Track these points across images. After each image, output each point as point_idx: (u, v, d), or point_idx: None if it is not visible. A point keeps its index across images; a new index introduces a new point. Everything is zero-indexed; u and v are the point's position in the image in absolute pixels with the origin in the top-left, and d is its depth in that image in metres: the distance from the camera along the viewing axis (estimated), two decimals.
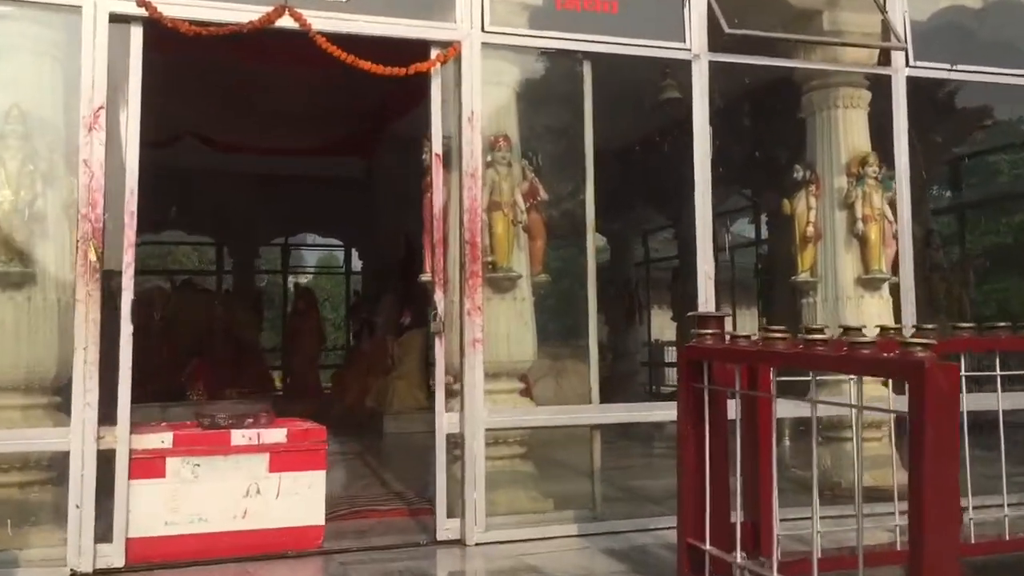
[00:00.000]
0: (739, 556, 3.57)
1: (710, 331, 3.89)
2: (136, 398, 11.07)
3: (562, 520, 5.36)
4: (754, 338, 3.67)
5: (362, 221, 15.02)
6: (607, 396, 5.90)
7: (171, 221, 16.87)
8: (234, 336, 14.07)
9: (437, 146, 5.28)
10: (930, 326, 4.45)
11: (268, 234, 17.75)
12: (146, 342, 12.75)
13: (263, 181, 14.95)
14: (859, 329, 3.42)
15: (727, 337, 3.88)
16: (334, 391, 13.65)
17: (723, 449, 3.86)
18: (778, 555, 3.60)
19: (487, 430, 5.22)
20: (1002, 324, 4.51)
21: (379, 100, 10.57)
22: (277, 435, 4.91)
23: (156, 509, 4.68)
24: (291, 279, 20.13)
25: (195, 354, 13.08)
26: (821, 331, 3.36)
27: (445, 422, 5.16)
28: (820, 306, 6.64)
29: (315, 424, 5.13)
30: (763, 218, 13.70)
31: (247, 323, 14.64)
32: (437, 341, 5.18)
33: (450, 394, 5.31)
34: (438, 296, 5.19)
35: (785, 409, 4.17)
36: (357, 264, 18.27)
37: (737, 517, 3.63)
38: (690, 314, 4.06)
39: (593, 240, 5.68)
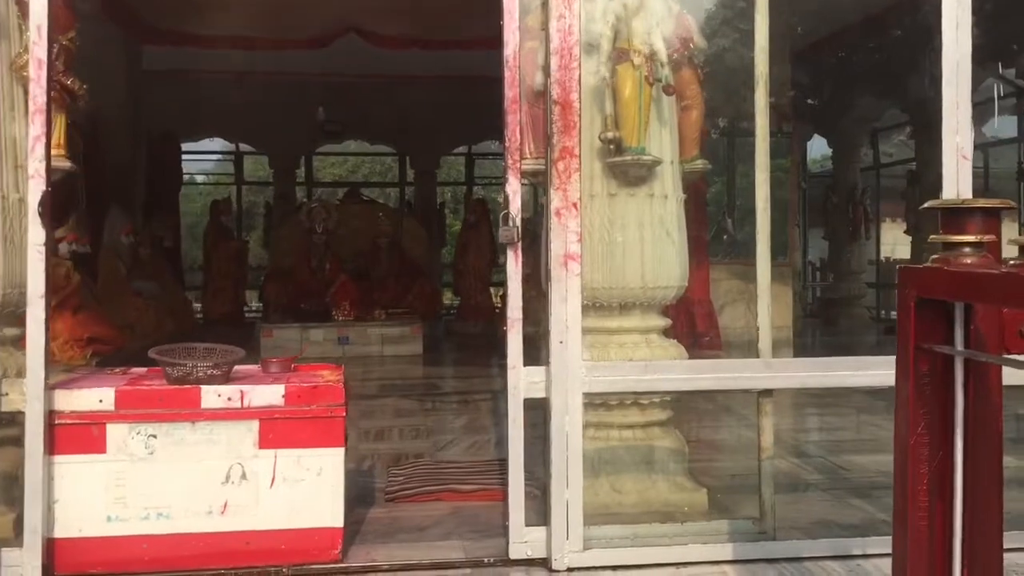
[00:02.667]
0: None
1: (970, 240, 1.87)
2: (279, 319, 10.18)
3: (711, 535, 3.47)
4: None
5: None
6: (824, 321, 3.87)
7: (352, 130, 16.12)
8: (399, 252, 12.93)
9: None
10: None
11: (450, 142, 16.66)
12: (305, 258, 12.04)
13: (443, 83, 13.66)
14: None
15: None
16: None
17: (995, 471, 1.89)
18: None
19: (587, 394, 3.38)
20: None
21: None
22: (269, 394, 3.29)
23: (94, 499, 3.20)
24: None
25: (359, 271, 12.13)
26: None
27: (522, 380, 3.36)
28: None
29: (333, 376, 3.47)
30: None
31: (414, 237, 13.49)
32: (509, 254, 3.36)
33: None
34: (511, 187, 3.34)
35: None
36: None
37: None
38: (927, 205, 2.02)
39: (766, 109, 3.58)
